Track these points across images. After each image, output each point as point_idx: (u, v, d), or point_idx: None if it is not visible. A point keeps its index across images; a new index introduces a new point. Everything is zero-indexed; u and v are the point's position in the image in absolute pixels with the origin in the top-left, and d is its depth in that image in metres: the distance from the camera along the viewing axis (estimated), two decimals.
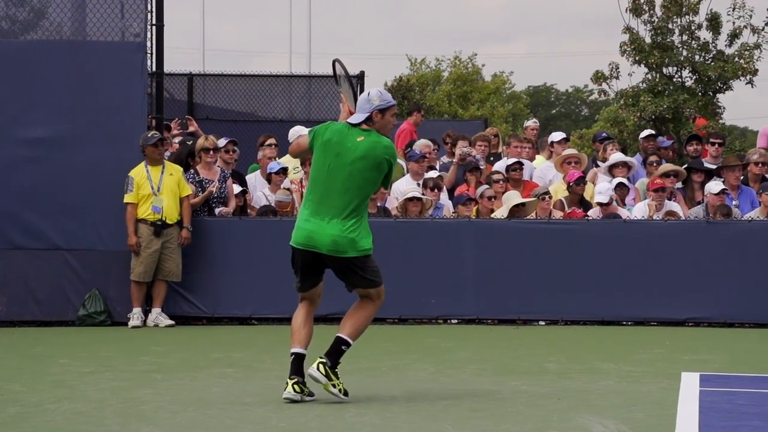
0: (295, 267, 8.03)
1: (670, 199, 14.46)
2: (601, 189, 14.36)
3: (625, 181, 14.72)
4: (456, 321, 13.77)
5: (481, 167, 15.16)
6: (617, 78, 28.08)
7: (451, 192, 14.90)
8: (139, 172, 13.37)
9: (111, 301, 13.52)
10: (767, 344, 12.33)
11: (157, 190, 13.34)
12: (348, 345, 7.87)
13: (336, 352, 7.83)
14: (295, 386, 7.77)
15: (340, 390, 7.80)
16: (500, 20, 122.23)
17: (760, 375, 9.60)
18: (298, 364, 7.84)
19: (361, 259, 7.91)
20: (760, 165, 14.89)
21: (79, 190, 13.44)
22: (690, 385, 8.67)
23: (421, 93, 44.17)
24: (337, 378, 7.81)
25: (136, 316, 13.33)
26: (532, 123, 18.30)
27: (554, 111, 75.82)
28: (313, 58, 54.72)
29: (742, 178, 14.80)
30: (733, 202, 14.34)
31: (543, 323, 13.67)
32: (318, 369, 7.74)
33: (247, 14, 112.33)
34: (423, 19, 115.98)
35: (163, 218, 13.37)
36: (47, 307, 13.55)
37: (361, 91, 8.30)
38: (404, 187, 14.51)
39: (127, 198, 13.33)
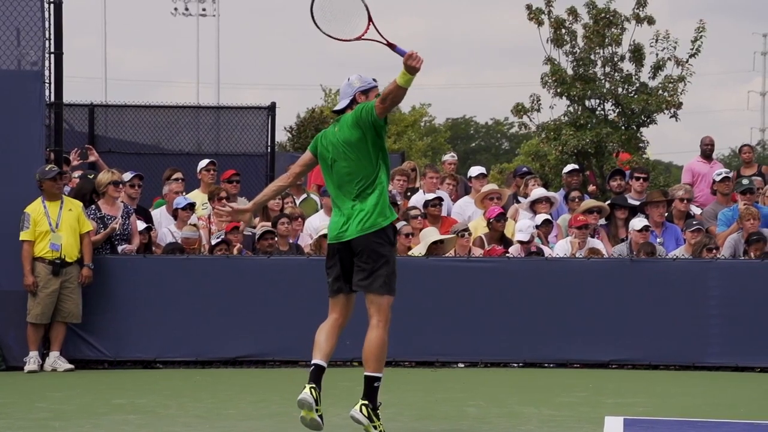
0: (329, 268, 8.61)
1: (593, 237, 14.63)
2: (521, 227, 14.47)
3: (549, 217, 14.87)
4: None
5: (398, 202, 15.24)
6: (538, 111, 28.19)
7: None
8: (35, 208, 13.24)
9: (6, 345, 13.34)
10: (693, 387, 12.50)
11: (55, 226, 13.22)
12: (378, 380, 8.29)
13: (371, 391, 8.23)
14: (312, 390, 8.03)
15: None
16: (418, 49, 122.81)
17: (685, 419, 9.72)
18: (317, 374, 8.16)
19: (379, 234, 8.47)
20: (684, 201, 15.13)
21: None
22: (614, 429, 8.77)
23: None
24: (378, 419, 8.16)
25: (32, 360, 13.17)
26: (449, 157, 18.33)
27: (473, 144, 76.36)
28: (221, 89, 54.65)
29: (666, 214, 15.01)
30: (658, 240, 14.53)
31: (462, 365, 13.73)
32: (360, 411, 8.10)
33: (152, 42, 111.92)
34: (338, 48, 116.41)
35: (62, 256, 13.25)
36: None
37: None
38: (318, 223, 14.54)
39: (23, 235, 13.18)
